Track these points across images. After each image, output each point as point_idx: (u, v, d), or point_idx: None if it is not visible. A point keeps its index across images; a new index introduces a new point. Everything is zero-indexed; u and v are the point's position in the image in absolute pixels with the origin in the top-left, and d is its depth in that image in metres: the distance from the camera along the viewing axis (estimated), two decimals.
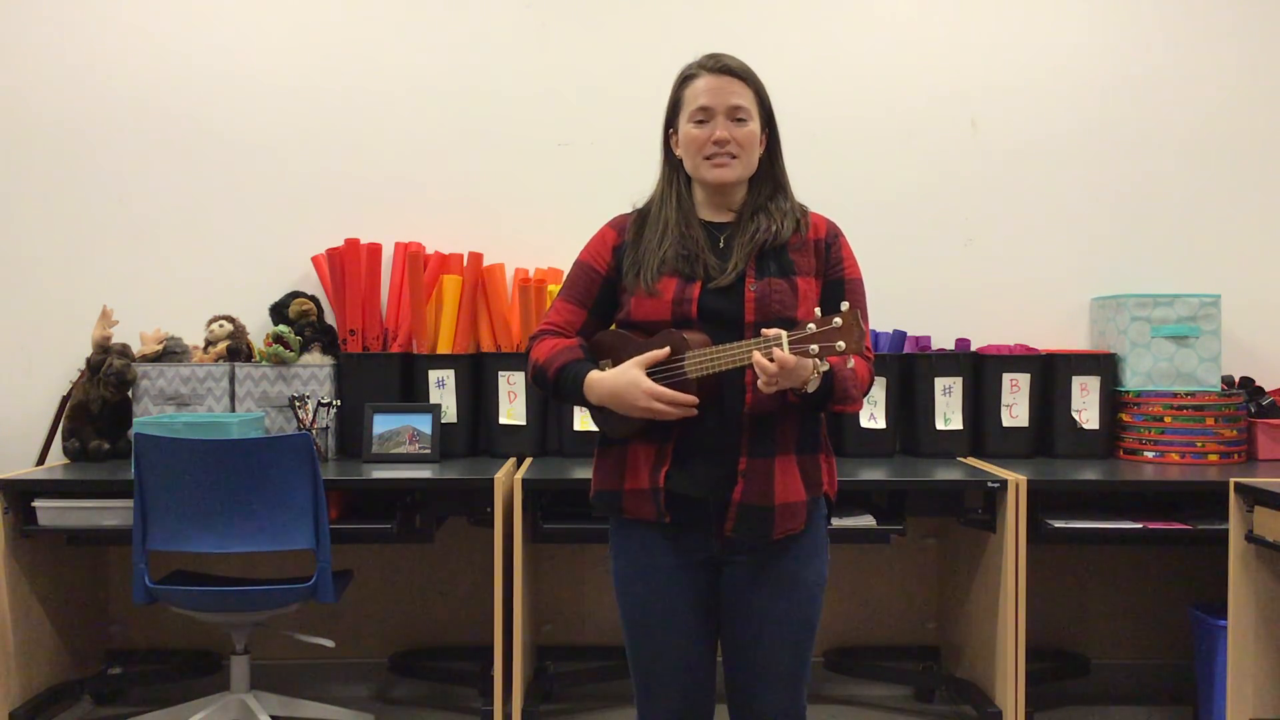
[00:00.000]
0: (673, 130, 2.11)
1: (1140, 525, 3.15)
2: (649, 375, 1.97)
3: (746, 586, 2.05)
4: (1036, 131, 3.79)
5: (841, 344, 1.80)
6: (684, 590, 2.06)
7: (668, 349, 1.97)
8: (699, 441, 2.00)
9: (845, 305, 1.82)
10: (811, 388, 1.91)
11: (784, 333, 1.84)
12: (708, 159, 2.04)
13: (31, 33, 3.72)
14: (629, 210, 2.16)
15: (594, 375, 2.02)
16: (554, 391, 2.09)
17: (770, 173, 2.11)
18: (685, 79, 2.09)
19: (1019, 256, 3.80)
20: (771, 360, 1.83)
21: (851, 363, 1.89)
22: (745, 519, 1.99)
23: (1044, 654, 3.56)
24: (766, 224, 2.04)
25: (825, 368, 1.88)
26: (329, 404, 3.47)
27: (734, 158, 2.04)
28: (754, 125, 2.06)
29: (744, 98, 2.05)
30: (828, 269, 2.08)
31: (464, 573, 3.66)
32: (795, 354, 1.82)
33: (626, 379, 1.97)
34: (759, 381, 1.86)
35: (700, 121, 2.04)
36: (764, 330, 1.86)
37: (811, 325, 1.83)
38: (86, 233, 3.72)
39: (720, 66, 2.06)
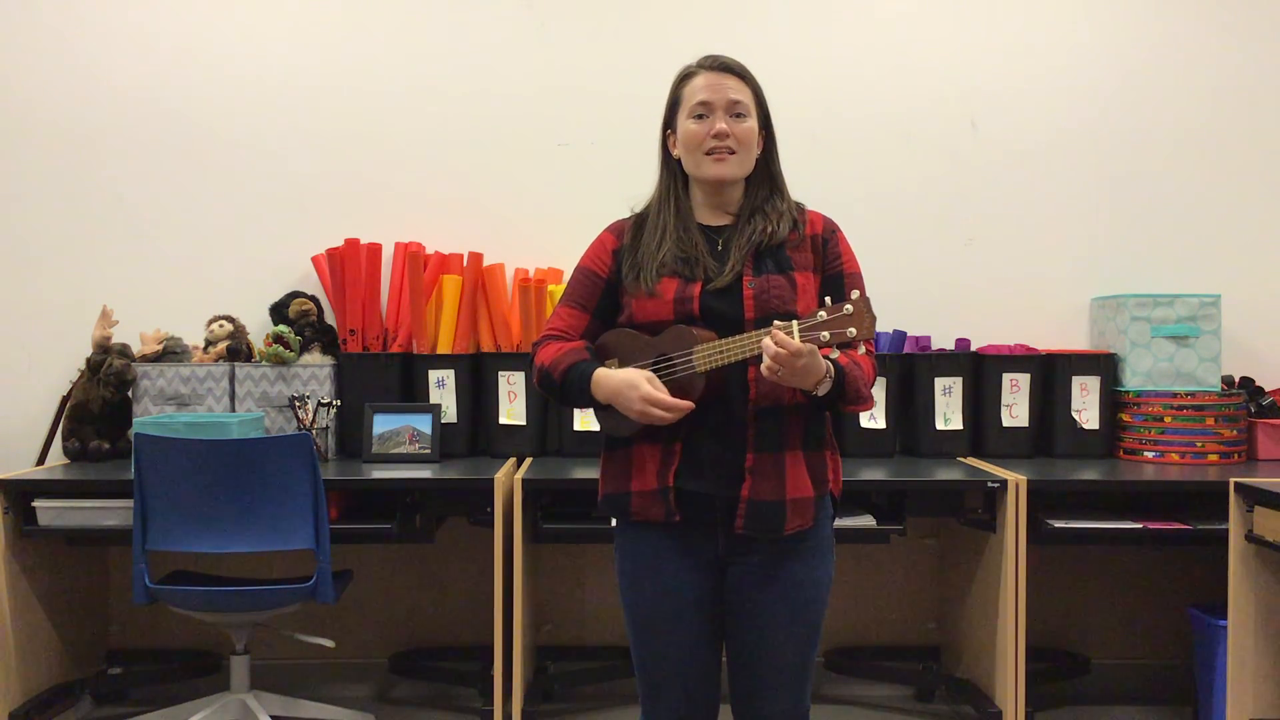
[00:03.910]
0: (670, 130, 2.12)
1: (1140, 525, 3.15)
2: (657, 368, 1.98)
3: (753, 588, 2.05)
4: (1036, 131, 3.79)
5: (852, 330, 1.80)
6: (690, 591, 2.05)
7: (691, 404, 1.95)
8: (705, 438, 2.00)
9: (855, 293, 1.82)
10: (823, 390, 1.92)
11: (795, 321, 1.84)
12: (708, 154, 2.04)
13: (32, 33, 3.72)
14: (627, 215, 2.16)
15: (601, 371, 2.02)
16: (560, 391, 2.08)
17: (767, 173, 2.11)
18: (684, 77, 2.10)
19: (1019, 256, 3.80)
20: (778, 346, 1.81)
21: (863, 348, 1.88)
22: (755, 515, 1.99)
23: (1044, 654, 3.56)
24: (763, 225, 2.04)
25: (835, 355, 1.87)
26: (329, 404, 3.47)
27: (733, 153, 2.04)
28: (752, 122, 2.06)
29: (742, 94, 2.05)
30: (826, 264, 2.08)
31: (464, 573, 3.66)
32: (806, 340, 1.81)
33: (627, 380, 1.96)
34: (762, 365, 1.84)
35: (700, 116, 2.04)
36: (775, 322, 1.85)
37: (822, 313, 1.82)
38: (86, 233, 3.72)
39: (719, 64, 2.07)
